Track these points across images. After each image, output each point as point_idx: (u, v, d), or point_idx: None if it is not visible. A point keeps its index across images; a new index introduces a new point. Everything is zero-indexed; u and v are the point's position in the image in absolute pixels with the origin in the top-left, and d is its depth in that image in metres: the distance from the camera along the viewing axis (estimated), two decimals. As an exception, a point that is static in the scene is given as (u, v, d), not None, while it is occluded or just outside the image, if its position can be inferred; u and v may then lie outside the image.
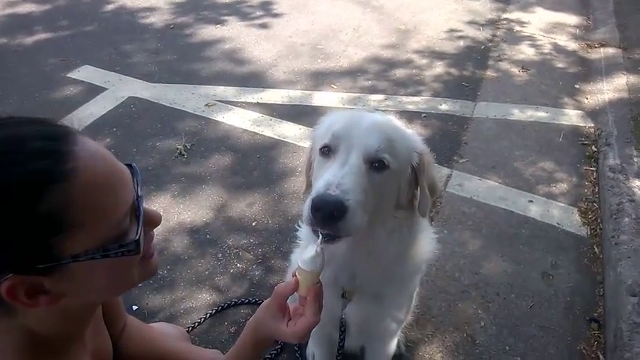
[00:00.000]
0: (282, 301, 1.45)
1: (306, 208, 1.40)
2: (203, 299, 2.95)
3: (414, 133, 1.72)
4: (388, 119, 1.69)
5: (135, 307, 2.89)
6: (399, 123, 1.71)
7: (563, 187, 3.88)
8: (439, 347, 2.74)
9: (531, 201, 3.72)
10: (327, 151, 1.57)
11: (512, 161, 4.12)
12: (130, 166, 1.19)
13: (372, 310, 1.86)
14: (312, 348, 2.57)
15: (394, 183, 1.60)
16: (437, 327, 2.84)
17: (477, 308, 2.95)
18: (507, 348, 2.75)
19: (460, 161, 4.09)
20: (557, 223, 3.54)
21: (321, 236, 1.43)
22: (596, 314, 2.93)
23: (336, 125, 1.57)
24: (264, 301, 1.49)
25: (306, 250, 1.44)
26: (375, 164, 1.51)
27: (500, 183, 3.88)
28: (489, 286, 3.08)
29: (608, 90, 4.92)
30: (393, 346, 2.21)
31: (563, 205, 3.71)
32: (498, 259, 3.26)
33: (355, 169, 1.45)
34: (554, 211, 3.65)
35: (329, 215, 1.35)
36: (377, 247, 1.67)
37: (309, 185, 1.79)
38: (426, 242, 1.88)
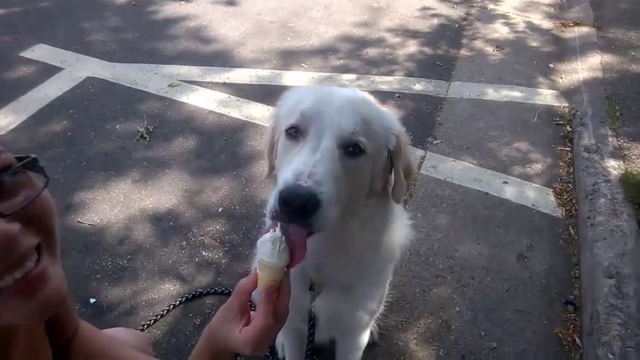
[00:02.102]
0: (244, 299, 1.27)
1: (271, 201, 1.23)
2: (166, 290, 2.80)
3: (390, 113, 1.55)
4: (362, 96, 1.52)
5: (93, 300, 2.73)
6: (373, 101, 1.54)
7: (537, 167, 3.81)
8: (413, 334, 2.64)
9: (506, 182, 3.64)
10: (294, 132, 1.39)
11: (486, 142, 4.03)
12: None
13: (343, 303, 1.73)
14: (281, 338, 2.44)
15: (369, 169, 1.44)
16: (411, 313, 2.74)
17: (452, 293, 2.86)
18: (483, 333, 2.66)
19: (434, 142, 3.98)
20: (532, 205, 3.47)
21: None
22: (572, 297, 2.87)
23: (305, 103, 1.40)
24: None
25: (267, 238, 1.26)
26: (350, 149, 1.34)
27: (474, 164, 3.79)
28: (464, 270, 2.99)
29: (582, 69, 4.86)
30: (365, 337, 2.09)
31: (538, 186, 3.64)
32: (473, 242, 3.17)
33: (328, 155, 1.28)
34: (529, 192, 3.57)
35: (300, 210, 1.18)
36: (347, 238, 1.52)
37: (272, 169, 1.61)
38: (400, 229, 1.75)
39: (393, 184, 1.54)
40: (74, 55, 4.83)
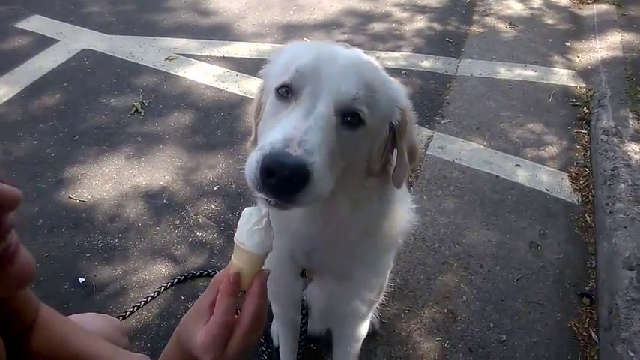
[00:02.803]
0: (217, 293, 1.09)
1: (251, 168, 1.04)
2: (158, 271, 2.68)
3: (396, 83, 1.35)
4: (368, 60, 1.31)
5: (82, 280, 2.62)
6: (379, 66, 1.34)
7: (552, 150, 3.62)
8: (417, 324, 2.49)
9: (518, 165, 3.46)
10: (285, 92, 1.20)
11: (498, 122, 3.84)
12: None
13: (337, 291, 1.56)
14: (276, 327, 2.29)
15: (367, 144, 1.26)
16: (415, 302, 2.58)
17: (459, 281, 2.70)
18: (492, 325, 2.51)
19: (442, 122, 3.79)
20: (546, 189, 3.29)
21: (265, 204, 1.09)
22: (587, 288, 2.70)
23: (302, 59, 1.20)
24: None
25: (246, 216, 1.08)
26: (348, 118, 1.17)
27: (485, 146, 3.61)
28: (472, 257, 2.83)
29: (601, 48, 4.64)
30: (364, 328, 1.92)
31: (552, 169, 3.46)
32: (482, 227, 3.00)
33: (323, 122, 1.11)
34: (542, 176, 3.39)
35: (285, 182, 1.00)
36: (339, 220, 1.34)
37: (257, 137, 1.42)
38: (403, 214, 1.56)
39: (394, 165, 1.36)
40: (70, 26, 4.66)
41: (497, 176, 3.35)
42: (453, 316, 2.53)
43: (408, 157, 1.32)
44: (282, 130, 1.06)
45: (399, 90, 1.33)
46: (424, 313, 2.53)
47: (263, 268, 1.09)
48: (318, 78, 1.16)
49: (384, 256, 1.65)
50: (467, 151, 3.53)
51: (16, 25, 4.61)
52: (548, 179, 3.37)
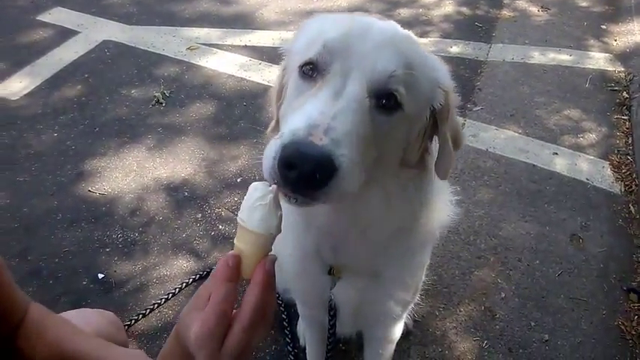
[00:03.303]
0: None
1: (269, 160, 0.91)
2: (179, 266, 2.60)
3: (439, 61, 1.20)
4: (407, 34, 1.16)
5: (101, 276, 2.55)
6: (418, 42, 1.18)
7: (591, 137, 3.44)
8: (453, 322, 2.36)
9: (556, 153, 3.28)
10: (310, 70, 1.05)
11: (532, 109, 3.67)
12: None
13: (368, 291, 1.42)
14: (303, 327, 2.17)
15: (404, 131, 1.10)
16: (450, 299, 2.45)
17: (496, 277, 2.56)
18: (533, 323, 2.36)
19: (474, 109, 3.63)
20: (587, 179, 3.12)
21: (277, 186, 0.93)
22: (634, 284, 2.54)
23: (329, 33, 1.06)
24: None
25: (250, 190, 0.92)
26: (384, 100, 1.02)
27: (520, 133, 3.44)
28: (510, 250, 2.68)
29: (639, 31, 4.39)
30: (398, 330, 1.79)
31: (592, 157, 3.28)
32: (520, 219, 2.85)
33: (355, 104, 0.96)
34: (582, 164, 3.22)
35: (308, 178, 0.86)
36: (369, 215, 1.20)
37: (279, 121, 1.26)
38: (442, 206, 1.41)
39: (437, 154, 1.21)
40: (92, 18, 4.59)
41: (533, 165, 3.18)
42: (490, 314, 2.39)
43: (452, 144, 1.17)
44: (306, 115, 0.92)
45: (442, 69, 1.17)
46: (460, 310, 2.40)
47: (270, 254, 0.92)
48: (348, 53, 1.02)
49: (420, 253, 1.51)
50: (501, 139, 3.37)
51: (38, 18, 4.56)
52: (589, 168, 3.20)
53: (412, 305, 1.68)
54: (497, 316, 2.39)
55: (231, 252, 0.91)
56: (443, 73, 1.17)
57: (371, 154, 1.01)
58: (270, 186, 0.91)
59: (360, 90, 0.98)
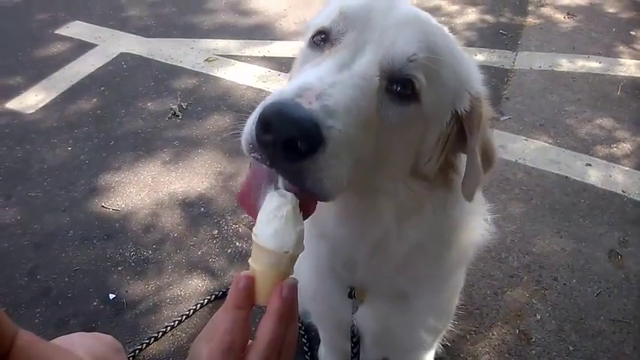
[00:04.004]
0: None
1: (249, 124, 0.81)
2: (194, 286, 2.50)
3: (472, 60, 1.07)
4: (437, 23, 1.03)
5: (112, 296, 2.47)
6: (448, 33, 1.06)
7: (626, 147, 3.27)
8: (485, 347, 2.21)
9: (589, 164, 3.12)
10: (321, 40, 0.95)
11: (563, 118, 3.52)
12: None
13: (396, 317, 1.29)
14: (324, 353, 2.04)
15: (418, 131, 0.97)
16: (481, 321, 2.31)
17: (531, 297, 2.41)
18: (571, 348, 2.21)
19: (501, 119, 3.48)
20: (623, 191, 2.96)
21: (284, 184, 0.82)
22: (681, 304, 2.35)
23: (351, 1, 0.95)
24: None
25: (266, 201, 0.81)
26: (399, 87, 0.89)
27: (550, 143, 3.29)
28: (544, 268, 2.53)
29: (672, 36, 4.22)
30: (428, 358, 1.64)
31: (627, 169, 3.12)
32: (554, 235, 2.70)
33: (361, 80, 0.83)
34: (617, 176, 3.05)
35: (287, 143, 0.73)
36: (380, 227, 1.06)
37: None
38: (475, 225, 1.28)
39: (460, 173, 1.07)
40: (109, 31, 4.57)
41: (566, 177, 3.02)
42: (526, 337, 2.24)
43: (481, 160, 1.02)
44: (300, 79, 0.81)
45: (473, 69, 1.04)
46: (493, 334, 2.25)
47: (291, 277, 0.80)
48: (366, 25, 0.90)
49: (452, 276, 1.37)
50: (531, 150, 3.22)
51: (56, 32, 4.55)
52: (624, 179, 3.03)
53: (444, 333, 1.54)
54: (533, 339, 2.23)
55: (244, 272, 0.79)
56: (474, 74, 1.05)
57: (369, 145, 0.87)
58: (287, 195, 0.80)
59: (371, 66, 0.86)
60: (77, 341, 1.27)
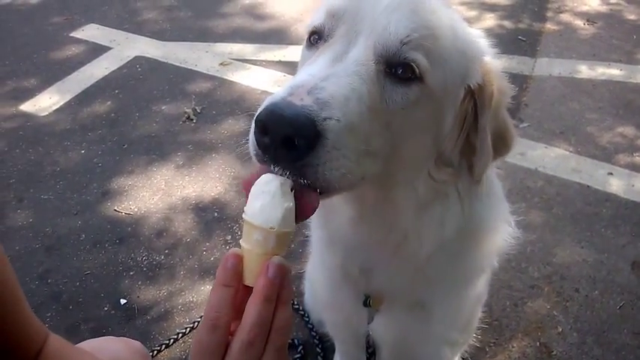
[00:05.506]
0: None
1: (251, 132, 0.81)
2: (206, 292, 2.46)
3: (476, 32, 1.05)
4: (433, 1, 0.97)
5: (123, 301, 2.44)
6: (452, 8, 1.02)
7: (649, 156, 3.19)
8: (504, 360, 2.13)
9: (611, 173, 3.05)
10: (316, 40, 0.95)
11: (584, 126, 3.45)
12: None
13: (414, 328, 1.24)
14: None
15: (430, 111, 0.93)
16: (501, 333, 2.25)
17: (552, 309, 2.35)
18: (594, 362, 2.12)
19: (521, 126, 3.41)
20: (646, 201, 2.87)
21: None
22: None
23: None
24: None
25: (266, 179, 0.79)
26: (399, 70, 0.86)
27: (571, 152, 3.22)
28: (565, 280, 2.47)
29: (695, 43, 4.13)
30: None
31: (651, 178, 3.03)
32: (575, 245, 2.63)
33: (355, 67, 0.83)
34: (640, 185, 2.96)
35: (285, 142, 0.73)
36: (399, 227, 1.01)
37: None
38: (499, 226, 1.22)
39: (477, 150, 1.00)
40: (124, 34, 4.57)
41: (588, 186, 2.95)
42: (546, 350, 2.18)
43: (492, 139, 0.98)
44: (293, 79, 0.81)
45: (480, 42, 1.01)
46: (512, 346, 2.20)
47: (278, 256, 0.77)
48: (356, 18, 0.89)
49: (474, 284, 1.31)
50: (551, 158, 3.15)
51: (72, 35, 4.57)
52: (647, 189, 2.94)
53: (465, 347, 1.48)
54: (554, 352, 2.17)
55: (232, 249, 0.78)
56: (481, 46, 1.01)
57: (382, 133, 0.85)
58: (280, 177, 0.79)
59: (364, 54, 0.85)
60: (105, 346, 1.23)
